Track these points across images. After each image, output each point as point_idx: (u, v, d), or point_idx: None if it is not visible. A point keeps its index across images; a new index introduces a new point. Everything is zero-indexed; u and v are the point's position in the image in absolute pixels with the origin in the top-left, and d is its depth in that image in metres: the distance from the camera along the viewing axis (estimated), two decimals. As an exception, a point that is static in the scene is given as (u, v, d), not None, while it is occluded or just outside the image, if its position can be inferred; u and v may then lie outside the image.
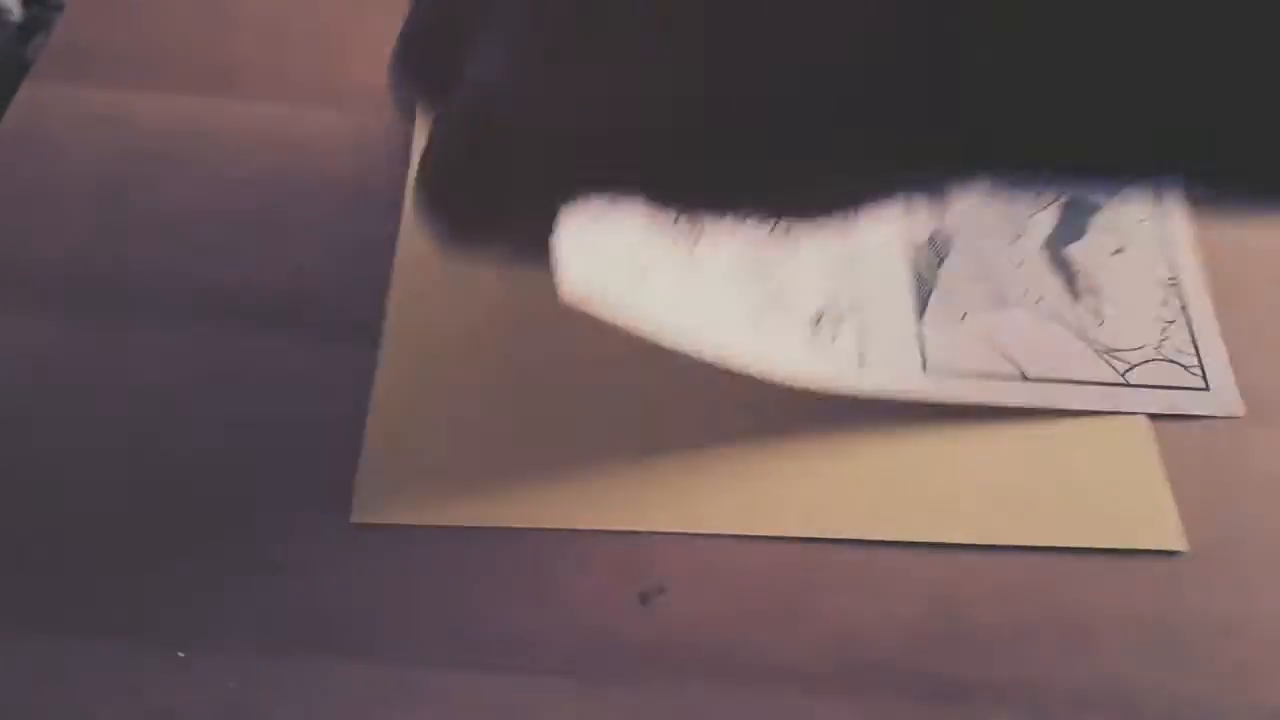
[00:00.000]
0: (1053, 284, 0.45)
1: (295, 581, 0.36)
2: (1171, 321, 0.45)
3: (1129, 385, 0.43)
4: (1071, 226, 0.47)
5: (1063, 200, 0.47)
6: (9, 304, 0.43)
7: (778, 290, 0.42)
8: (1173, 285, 0.46)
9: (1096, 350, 0.44)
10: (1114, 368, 0.43)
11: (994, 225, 0.47)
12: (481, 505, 0.38)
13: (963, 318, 0.44)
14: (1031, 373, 0.43)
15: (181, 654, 0.34)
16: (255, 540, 0.37)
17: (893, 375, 0.41)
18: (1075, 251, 0.46)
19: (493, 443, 0.39)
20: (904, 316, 0.43)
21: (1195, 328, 0.45)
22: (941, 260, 0.45)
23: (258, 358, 0.42)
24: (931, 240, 0.46)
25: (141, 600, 0.36)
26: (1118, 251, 0.46)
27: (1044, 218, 0.47)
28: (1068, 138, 0.20)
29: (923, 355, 0.42)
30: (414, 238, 0.46)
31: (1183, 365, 0.44)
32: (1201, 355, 0.44)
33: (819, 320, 0.42)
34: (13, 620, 0.35)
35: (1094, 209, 0.47)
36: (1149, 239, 0.47)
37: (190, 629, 0.35)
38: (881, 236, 0.46)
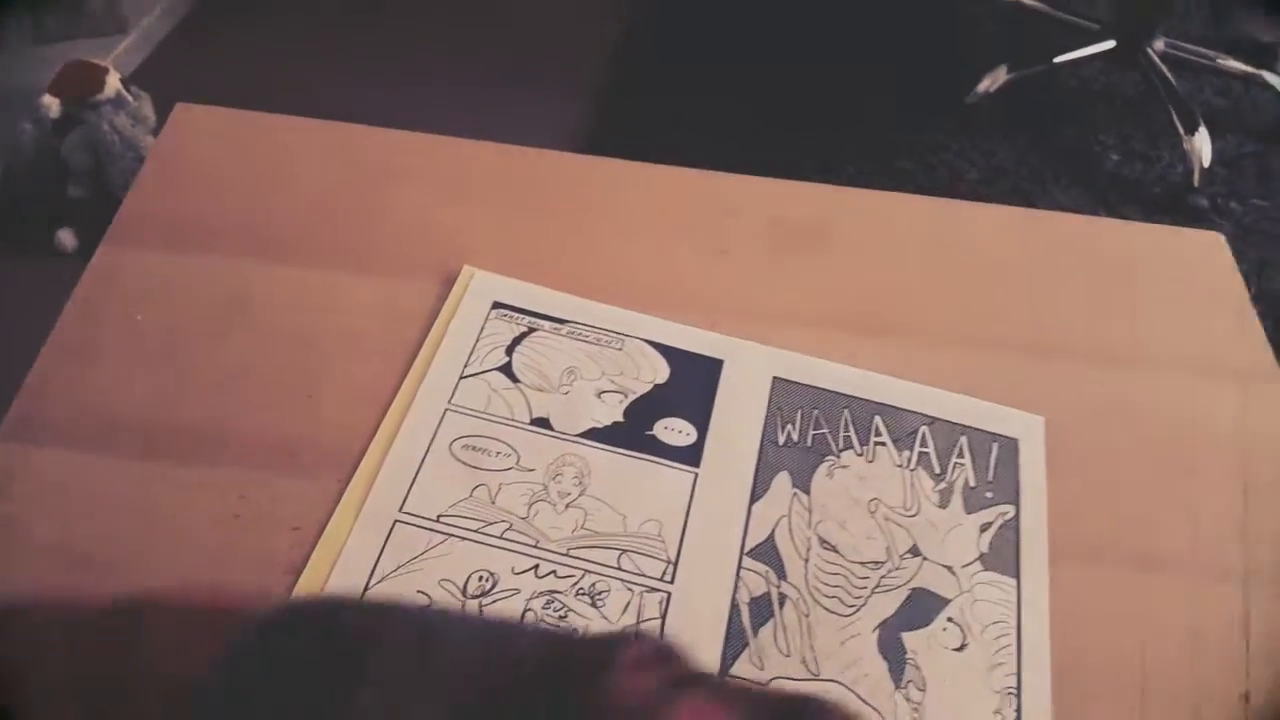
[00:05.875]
0: (876, 666, 0.46)
1: None
2: None
3: None
4: (916, 613, 0.48)
5: (914, 586, 0.49)
6: (89, 447, 0.51)
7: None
8: (1012, 695, 0.46)
9: None
10: None
11: (834, 595, 0.49)
12: None
13: (769, 681, 0.46)
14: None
15: None
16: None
17: None
18: (912, 639, 0.48)
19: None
20: (706, 667, 0.45)
21: None
22: (767, 620, 0.48)
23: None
24: (762, 598, 0.48)
25: None
26: (960, 648, 0.48)
27: (888, 599, 0.49)
28: None
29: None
30: (411, 386, 0.54)
31: None
32: None
33: None
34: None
35: (945, 602, 0.49)
36: (1000, 643, 0.48)
37: None
38: (715, 585, 0.48)
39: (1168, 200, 1.68)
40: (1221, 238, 0.70)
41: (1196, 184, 1.66)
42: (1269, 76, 1.81)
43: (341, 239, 0.61)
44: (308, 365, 0.55)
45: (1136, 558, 0.52)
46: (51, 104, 1.52)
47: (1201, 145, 1.67)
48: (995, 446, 0.55)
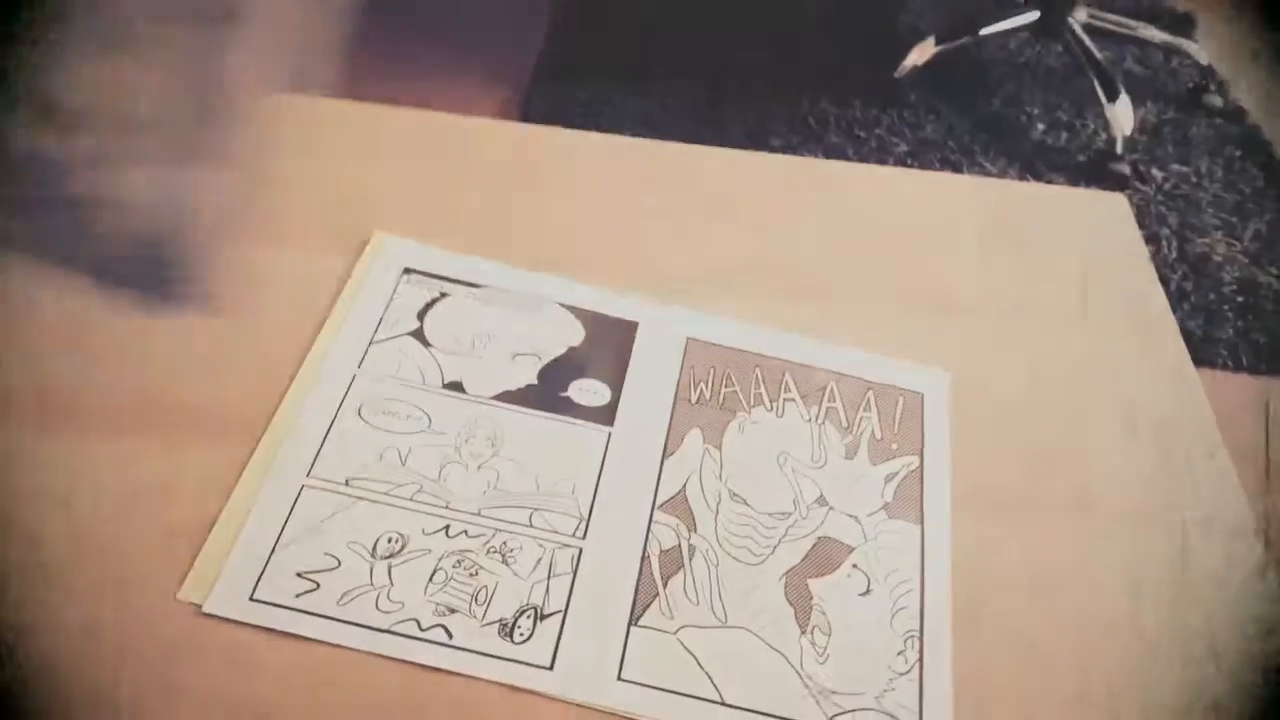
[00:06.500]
0: (782, 612, 0.48)
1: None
2: (903, 674, 0.47)
3: None
4: (822, 560, 0.49)
5: (820, 535, 0.50)
6: None
7: (477, 588, 0.46)
8: (915, 638, 0.48)
9: (810, 689, 0.46)
10: (823, 709, 0.45)
11: (743, 545, 0.49)
12: None
13: (677, 630, 0.47)
14: (730, 698, 0.45)
15: None
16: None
17: (581, 681, 0.45)
18: (818, 585, 0.49)
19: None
20: (617, 619, 0.47)
21: (926, 686, 0.46)
22: (676, 571, 0.48)
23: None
24: (673, 550, 0.49)
25: None
26: (865, 593, 0.49)
27: (794, 547, 0.50)
28: None
29: (622, 661, 0.45)
30: (319, 351, 0.52)
31: None
32: (925, 717, 0.45)
33: (517, 618, 0.46)
34: None
35: (850, 549, 0.50)
36: (904, 588, 0.49)
37: None
38: (626, 539, 0.49)
39: (1092, 168, 1.72)
40: (1124, 199, 0.72)
41: (1119, 151, 1.70)
42: (1187, 44, 1.86)
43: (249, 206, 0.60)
44: (215, 331, 0.54)
45: (1035, 505, 0.54)
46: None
47: (1123, 113, 1.71)
48: (900, 400, 0.57)
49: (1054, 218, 0.69)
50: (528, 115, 1.71)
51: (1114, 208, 0.69)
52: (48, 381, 0.52)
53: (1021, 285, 0.64)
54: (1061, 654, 0.48)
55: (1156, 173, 1.72)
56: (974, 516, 0.52)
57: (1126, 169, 1.70)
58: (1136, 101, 1.76)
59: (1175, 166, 1.74)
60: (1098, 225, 0.69)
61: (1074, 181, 1.69)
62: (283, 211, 0.60)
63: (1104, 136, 1.75)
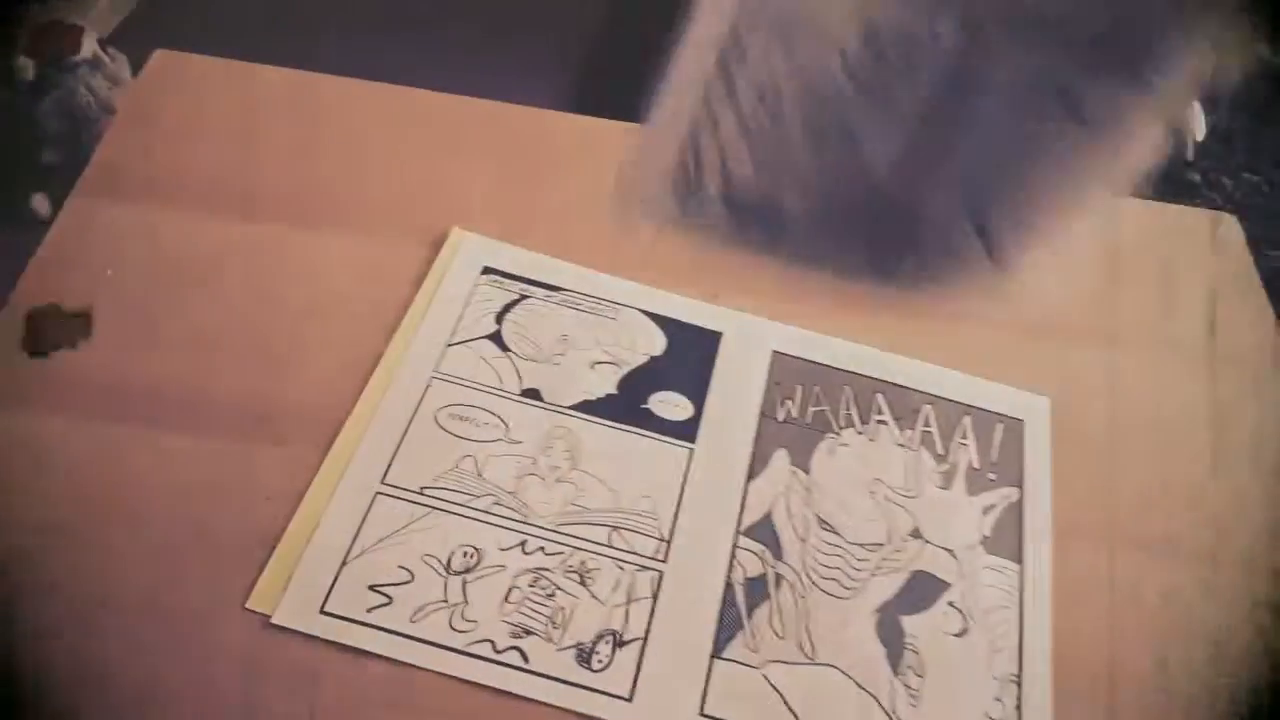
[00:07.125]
0: (873, 650, 0.45)
1: None
2: None
3: None
4: (917, 597, 0.47)
5: (914, 569, 0.48)
6: (57, 409, 0.49)
7: (555, 609, 0.44)
8: (1013, 683, 0.45)
9: None
10: None
11: (832, 577, 0.47)
12: None
13: (762, 665, 0.44)
14: (817, 738, 0.42)
15: None
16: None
17: (662, 715, 0.42)
18: (911, 623, 0.46)
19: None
20: (699, 649, 0.44)
21: None
22: (762, 601, 0.46)
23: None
24: (758, 579, 0.47)
25: None
26: (961, 633, 0.46)
27: (888, 582, 0.47)
28: None
29: (704, 694, 0.43)
30: (395, 352, 0.51)
31: None
32: None
33: (595, 643, 0.44)
34: None
35: (946, 585, 0.48)
36: (1002, 628, 0.47)
37: None
38: (709, 565, 0.47)
39: (1161, 175, 1.66)
40: (1234, 220, 0.68)
41: (1190, 158, 1.65)
42: (1260, 48, 1.80)
43: (325, 196, 0.58)
44: (286, 328, 0.52)
45: (1142, 541, 0.51)
46: (26, 66, 1.47)
47: (1195, 119, 1.65)
48: (999, 427, 0.54)
49: (1161, 237, 0.66)
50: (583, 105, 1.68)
51: (1225, 229, 0.66)
52: (102, 370, 0.50)
53: (1124, 308, 0.61)
54: (1170, 703, 0.46)
55: (1226, 181, 1.67)
56: (1077, 554, 0.49)
57: (1197, 177, 1.65)
58: (1208, 107, 1.70)
59: (1245, 175, 1.69)
60: (1208, 248, 0.65)
61: (1142, 189, 1.64)
62: (359, 202, 0.58)
63: (1173, 143, 1.70)
